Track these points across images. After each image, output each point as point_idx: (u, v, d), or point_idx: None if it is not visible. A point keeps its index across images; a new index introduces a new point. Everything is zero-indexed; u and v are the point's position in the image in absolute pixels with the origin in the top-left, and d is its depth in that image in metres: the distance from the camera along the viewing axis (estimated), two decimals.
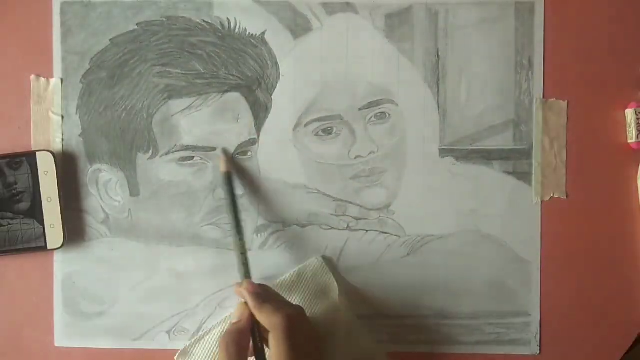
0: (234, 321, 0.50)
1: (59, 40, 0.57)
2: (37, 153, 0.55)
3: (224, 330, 0.50)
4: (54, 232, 0.55)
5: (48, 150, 0.56)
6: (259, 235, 0.57)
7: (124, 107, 0.56)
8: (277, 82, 0.57)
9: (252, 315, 0.49)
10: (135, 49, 0.56)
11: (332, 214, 0.57)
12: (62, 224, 0.56)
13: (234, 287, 0.52)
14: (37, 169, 0.55)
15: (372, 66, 0.56)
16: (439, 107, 0.56)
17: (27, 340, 0.58)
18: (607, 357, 0.56)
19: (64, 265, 0.57)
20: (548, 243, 0.56)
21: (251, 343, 0.49)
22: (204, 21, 0.56)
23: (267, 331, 0.48)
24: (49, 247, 0.56)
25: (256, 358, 0.49)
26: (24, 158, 0.56)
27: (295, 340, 0.47)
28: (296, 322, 0.47)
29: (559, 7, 0.56)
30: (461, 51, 0.56)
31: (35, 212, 0.55)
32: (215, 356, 0.54)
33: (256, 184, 0.57)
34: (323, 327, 0.53)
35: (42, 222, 0.55)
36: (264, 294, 0.50)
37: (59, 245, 0.56)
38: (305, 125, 0.57)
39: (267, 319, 0.48)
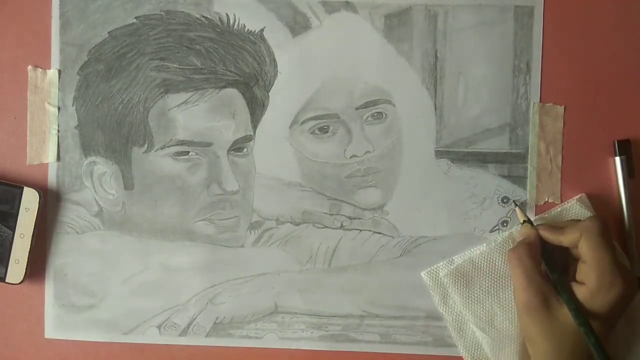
0: (520, 239, 0.52)
1: (58, 32, 0.57)
2: (24, 189, 0.55)
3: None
4: (17, 267, 0.55)
5: (36, 189, 0.55)
6: (252, 232, 0.57)
7: (120, 100, 0.56)
8: (274, 80, 0.56)
9: (538, 235, 0.51)
10: (133, 42, 0.56)
11: (326, 213, 0.57)
12: (27, 262, 0.55)
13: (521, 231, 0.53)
14: (20, 203, 0.55)
15: (370, 66, 0.56)
16: (435, 108, 0.56)
17: (17, 331, 0.58)
18: None
19: (55, 257, 0.57)
20: None
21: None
22: (202, 16, 0.56)
23: (560, 253, 0.50)
24: (7, 280, 0.55)
25: (550, 271, 0.50)
26: (12, 189, 0.55)
27: (610, 240, 0.48)
28: (606, 225, 0.49)
29: (558, 12, 0.56)
30: (459, 53, 0.56)
31: (5, 242, 0.55)
32: (487, 270, 0.55)
33: (251, 181, 0.57)
34: None
35: (8, 255, 0.55)
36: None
37: (18, 282, 0.55)
38: (302, 123, 0.57)
39: (574, 229, 0.49)
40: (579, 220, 0.51)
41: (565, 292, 0.48)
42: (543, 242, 0.51)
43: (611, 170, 0.56)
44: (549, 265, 0.51)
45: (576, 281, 0.49)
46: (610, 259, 0.47)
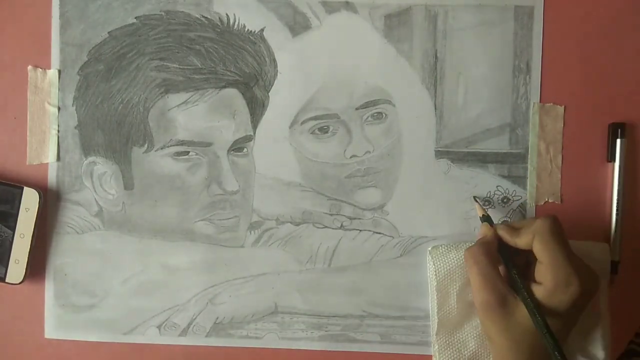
0: (479, 238, 0.52)
1: (58, 32, 0.57)
2: (24, 189, 0.55)
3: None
4: (17, 267, 0.55)
5: (36, 189, 0.55)
6: (252, 232, 0.57)
7: (120, 100, 0.56)
8: (274, 80, 0.56)
9: (496, 234, 0.51)
10: (133, 42, 0.56)
11: (326, 213, 0.57)
12: (27, 262, 0.55)
13: (481, 234, 0.53)
14: (20, 203, 0.55)
15: (370, 66, 0.56)
16: (435, 108, 0.56)
17: (17, 331, 0.58)
18: None
19: (55, 257, 0.57)
20: None
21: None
22: (202, 16, 0.56)
23: (521, 254, 0.50)
24: (7, 280, 0.55)
25: (508, 270, 0.51)
26: (12, 189, 0.55)
27: (563, 238, 0.48)
28: (559, 224, 0.49)
29: (558, 12, 0.56)
30: (459, 53, 0.56)
31: (5, 242, 0.55)
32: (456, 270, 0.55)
33: (251, 181, 0.57)
34: None
35: (8, 255, 0.55)
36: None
37: (18, 282, 0.55)
38: (302, 123, 0.57)
39: (528, 230, 0.49)
40: (534, 220, 0.50)
41: (523, 291, 0.48)
42: (502, 241, 0.51)
43: (610, 170, 0.56)
44: (507, 264, 0.51)
45: (535, 281, 0.49)
46: (564, 258, 0.47)
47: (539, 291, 0.48)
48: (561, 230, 0.49)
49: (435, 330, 0.55)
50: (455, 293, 0.54)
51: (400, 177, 0.57)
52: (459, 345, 0.54)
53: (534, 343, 0.48)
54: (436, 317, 0.54)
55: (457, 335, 0.54)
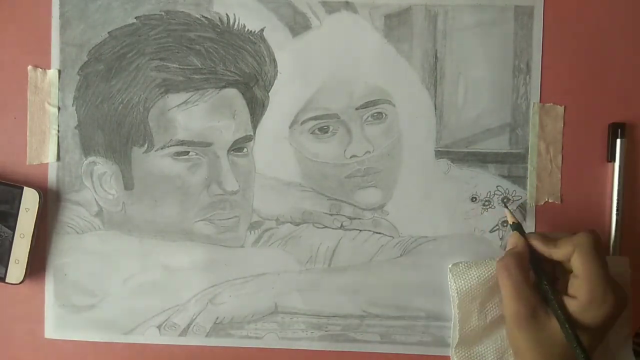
0: (509, 248, 0.52)
1: (58, 32, 0.57)
2: (24, 189, 0.55)
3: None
4: (17, 267, 0.55)
5: (36, 189, 0.55)
6: (252, 232, 0.57)
7: (120, 100, 0.56)
8: (274, 80, 0.57)
9: (527, 244, 0.51)
10: (133, 43, 0.56)
11: (326, 213, 0.57)
12: (27, 262, 0.55)
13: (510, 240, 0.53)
14: (20, 203, 0.55)
15: (369, 66, 0.56)
16: (435, 108, 0.56)
17: (17, 331, 0.58)
18: None
19: (55, 257, 0.57)
20: None
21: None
22: (202, 16, 0.56)
23: (554, 265, 0.50)
24: (7, 281, 0.55)
25: (540, 280, 0.50)
26: (12, 189, 0.55)
27: (602, 254, 0.48)
28: (600, 240, 0.49)
29: (558, 12, 0.56)
30: (459, 53, 0.56)
31: (5, 242, 0.55)
32: (486, 281, 0.54)
33: (251, 181, 0.57)
34: None
35: (8, 255, 0.55)
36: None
37: (18, 282, 0.55)
38: (302, 123, 0.57)
39: (568, 243, 0.49)
40: (572, 234, 0.50)
41: (555, 303, 0.48)
42: (532, 251, 0.51)
43: (610, 170, 0.56)
44: (538, 274, 0.51)
45: (566, 294, 0.49)
46: (602, 275, 0.47)
47: (572, 305, 0.48)
48: (601, 246, 0.49)
49: (456, 343, 0.54)
50: (476, 310, 0.54)
51: (400, 177, 0.57)
52: (478, 358, 0.54)
53: (563, 356, 0.47)
54: (457, 333, 0.54)
55: (476, 348, 0.54)
